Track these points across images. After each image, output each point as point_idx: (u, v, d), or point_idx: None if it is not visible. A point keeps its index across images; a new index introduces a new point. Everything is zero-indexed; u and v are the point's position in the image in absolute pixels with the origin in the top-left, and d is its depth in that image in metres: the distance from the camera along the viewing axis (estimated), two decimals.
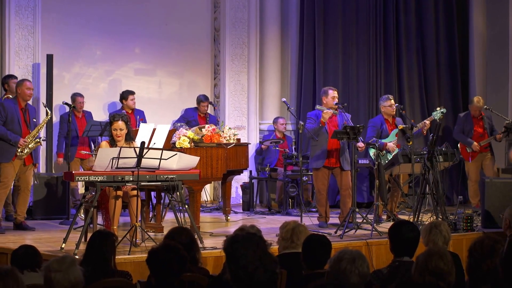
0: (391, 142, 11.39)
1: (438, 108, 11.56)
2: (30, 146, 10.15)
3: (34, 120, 10.45)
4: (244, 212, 12.72)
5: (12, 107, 10.20)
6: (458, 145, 12.96)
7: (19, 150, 10.09)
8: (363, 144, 10.83)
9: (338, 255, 4.62)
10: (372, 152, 11.27)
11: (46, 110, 10.59)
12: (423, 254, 5.02)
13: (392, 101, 11.63)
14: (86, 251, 6.01)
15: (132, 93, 12.60)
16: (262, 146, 13.57)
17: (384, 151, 11.28)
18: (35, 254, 5.95)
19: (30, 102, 11.97)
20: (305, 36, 14.11)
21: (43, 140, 10.79)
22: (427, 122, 11.53)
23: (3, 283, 4.23)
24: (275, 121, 13.71)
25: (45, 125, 10.60)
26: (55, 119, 12.32)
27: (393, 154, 11.27)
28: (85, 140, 12.16)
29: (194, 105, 13.37)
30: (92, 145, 12.23)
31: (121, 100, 12.62)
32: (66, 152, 11.57)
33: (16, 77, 11.34)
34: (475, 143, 12.75)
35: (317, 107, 10.93)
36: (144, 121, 12.20)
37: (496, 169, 13.17)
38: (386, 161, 11.19)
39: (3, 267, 4.35)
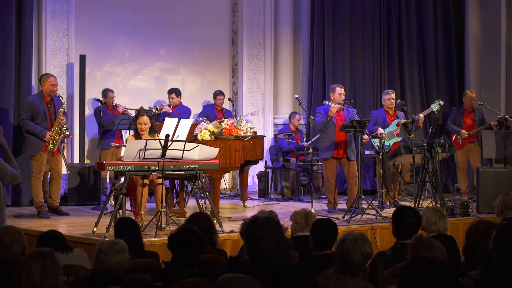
0: (391, 131, 11.40)
1: (436, 101, 11.57)
2: (56, 138, 10.12)
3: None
4: (260, 199, 12.75)
5: (38, 102, 10.14)
6: (450, 135, 12.95)
7: (49, 145, 10.07)
8: (367, 136, 10.87)
9: (342, 237, 4.64)
10: (374, 141, 11.27)
11: (61, 100, 10.28)
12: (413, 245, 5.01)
13: (392, 95, 11.65)
14: (115, 236, 6.03)
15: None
16: (279, 136, 13.53)
17: (384, 140, 11.17)
18: (58, 238, 5.94)
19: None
20: (316, 38, 14.09)
21: (70, 133, 10.71)
22: (421, 115, 11.53)
23: (41, 264, 4.25)
24: (292, 116, 13.66)
25: (63, 115, 10.21)
26: (88, 112, 12.34)
27: (389, 142, 11.28)
28: (117, 132, 12.14)
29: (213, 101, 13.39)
30: (124, 138, 12.21)
31: None
32: (99, 143, 11.55)
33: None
34: (463, 130, 12.72)
35: (325, 102, 10.95)
36: (187, 117, 12.14)
37: (481, 158, 13.11)
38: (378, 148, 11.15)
39: (42, 249, 4.38)
